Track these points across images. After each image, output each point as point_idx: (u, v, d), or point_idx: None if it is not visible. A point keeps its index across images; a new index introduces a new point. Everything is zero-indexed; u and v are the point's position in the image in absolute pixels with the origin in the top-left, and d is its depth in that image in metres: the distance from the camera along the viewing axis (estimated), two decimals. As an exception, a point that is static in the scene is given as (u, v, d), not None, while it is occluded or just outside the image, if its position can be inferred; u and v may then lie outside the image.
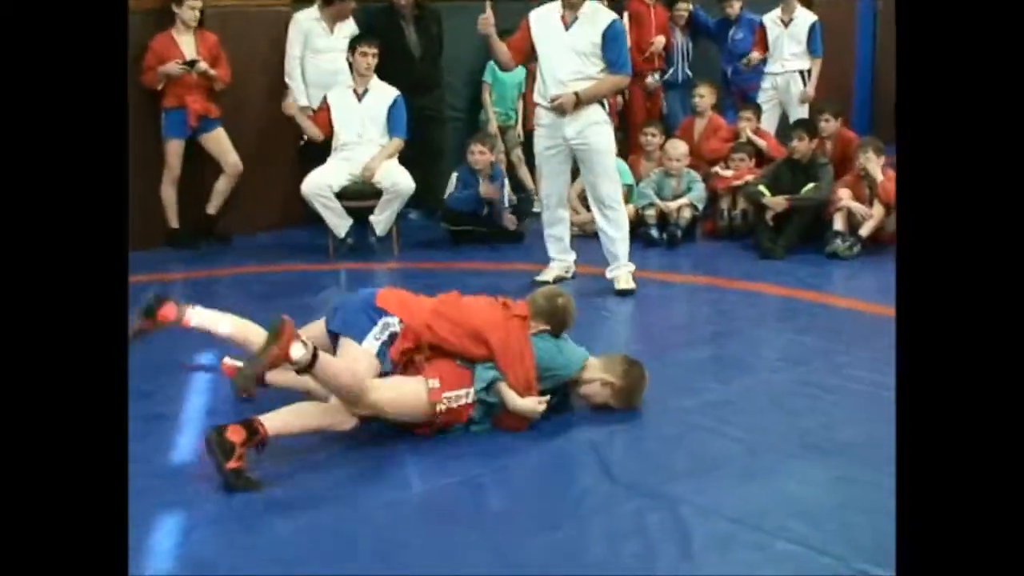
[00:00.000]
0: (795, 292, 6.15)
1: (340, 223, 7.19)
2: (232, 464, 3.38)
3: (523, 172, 9.04)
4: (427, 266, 6.98)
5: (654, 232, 7.34)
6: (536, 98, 6.17)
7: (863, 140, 7.59)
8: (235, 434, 3.40)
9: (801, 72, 9.18)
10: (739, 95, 9.53)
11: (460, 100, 8.99)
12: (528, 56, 6.17)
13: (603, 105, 6.09)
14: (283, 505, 3.32)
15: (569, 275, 6.43)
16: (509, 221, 7.64)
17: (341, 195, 7.19)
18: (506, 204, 7.66)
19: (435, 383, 3.78)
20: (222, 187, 7.60)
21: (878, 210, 7.02)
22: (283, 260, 7.21)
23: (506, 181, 7.76)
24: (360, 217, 7.31)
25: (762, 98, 9.26)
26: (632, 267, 6.15)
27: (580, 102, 5.84)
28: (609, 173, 6.14)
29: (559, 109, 5.86)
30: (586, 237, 7.57)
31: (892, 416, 3.98)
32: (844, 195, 7.13)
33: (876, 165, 7.15)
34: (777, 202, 7.15)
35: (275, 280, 6.66)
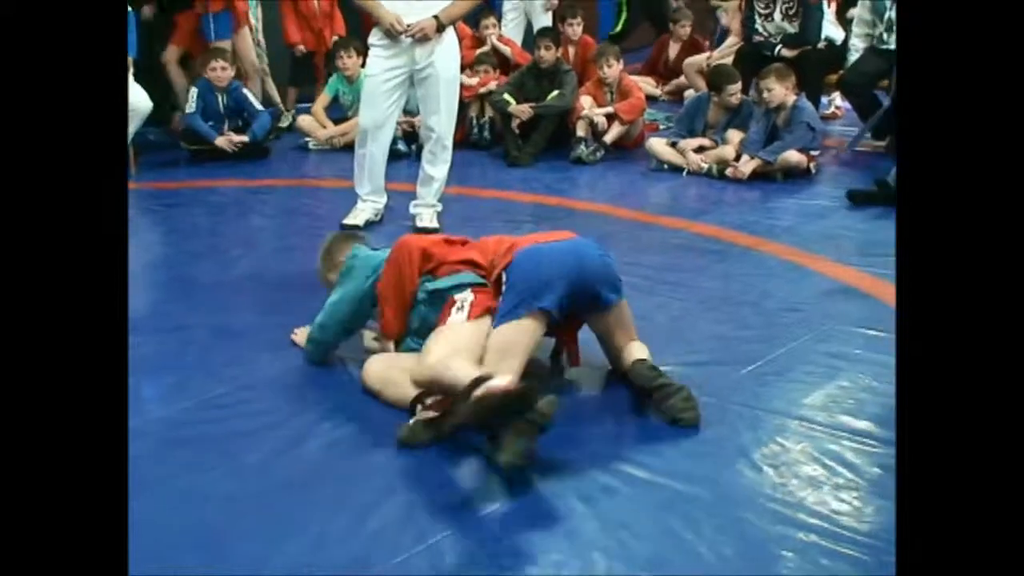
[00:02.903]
0: (542, 197, 6.25)
1: (70, 144, 6.80)
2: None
3: (270, 85, 8.76)
4: (167, 186, 6.71)
5: (401, 146, 7.25)
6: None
7: (601, 47, 7.73)
8: None
9: (546, -21, 9.21)
10: (485, 2, 9.51)
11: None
12: None
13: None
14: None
15: (378, 219, 5.70)
16: (225, 143, 7.26)
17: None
18: (256, 107, 7.42)
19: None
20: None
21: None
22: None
23: (249, 95, 7.49)
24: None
25: (507, 6, 9.26)
26: (439, 207, 5.64)
27: (441, 27, 5.19)
28: (452, 107, 5.42)
29: (421, 36, 5.13)
30: (335, 152, 7.48)
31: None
32: (586, 103, 7.27)
33: (616, 71, 7.32)
34: (522, 110, 7.22)
35: None
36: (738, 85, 6.78)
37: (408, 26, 5.12)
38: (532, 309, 3.25)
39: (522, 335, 3.25)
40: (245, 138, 7.27)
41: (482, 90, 7.64)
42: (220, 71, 7.28)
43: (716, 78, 6.94)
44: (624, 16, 10.71)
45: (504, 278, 3.36)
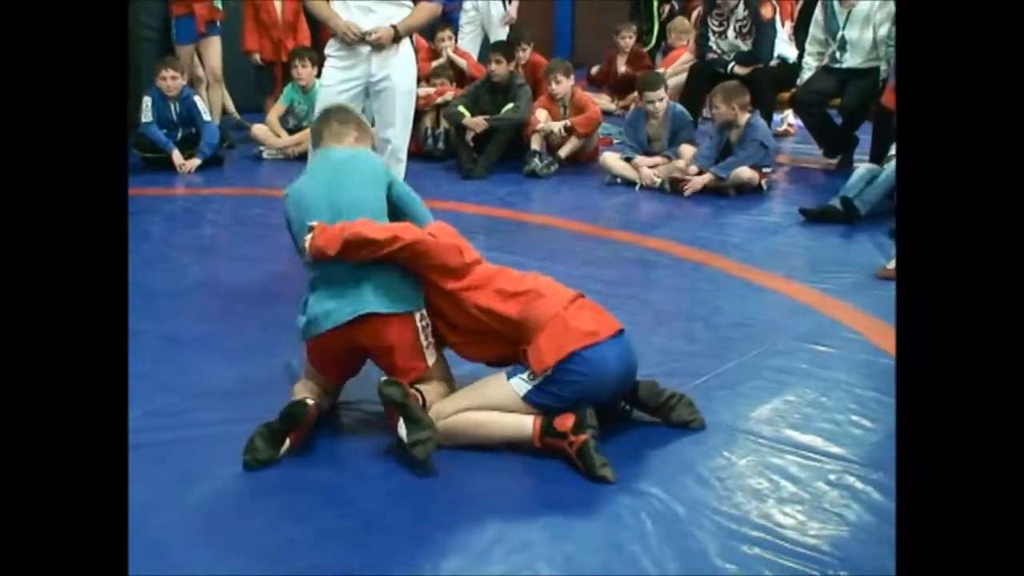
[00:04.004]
0: (495, 210, 6.26)
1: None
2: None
3: (225, 95, 8.74)
4: (120, 193, 6.65)
5: (357, 155, 7.25)
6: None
7: (551, 63, 7.75)
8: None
9: (501, -6, 9.25)
10: (441, 16, 9.53)
11: (154, 19, 8.52)
12: None
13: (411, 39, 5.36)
14: None
15: None
16: (179, 167, 7.23)
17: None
18: (205, 118, 7.39)
19: None
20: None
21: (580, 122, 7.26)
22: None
23: (199, 103, 7.45)
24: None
25: (464, 19, 9.31)
26: None
27: (399, 36, 5.10)
28: (408, 120, 5.34)
29: (376, 45, 5.04)
30: (289, 161, 7.46)
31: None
32: (541, 116, 7.31)
33: (566, 87, 7.36)
34: (476, 122, 7.24)
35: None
36: (658, 92, 6.74)
37: (366, 33, 5.07)
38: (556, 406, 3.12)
39: (506, 405, 3.15)
40: (198, 161, 7.25)
41: (439, 100, 7.67)
42: (170, 80, 7.24)
43: (640, 84, 7.01)
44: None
45: (555, 364, 3.09)
